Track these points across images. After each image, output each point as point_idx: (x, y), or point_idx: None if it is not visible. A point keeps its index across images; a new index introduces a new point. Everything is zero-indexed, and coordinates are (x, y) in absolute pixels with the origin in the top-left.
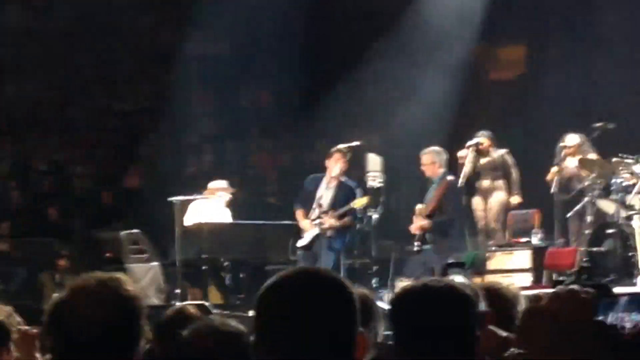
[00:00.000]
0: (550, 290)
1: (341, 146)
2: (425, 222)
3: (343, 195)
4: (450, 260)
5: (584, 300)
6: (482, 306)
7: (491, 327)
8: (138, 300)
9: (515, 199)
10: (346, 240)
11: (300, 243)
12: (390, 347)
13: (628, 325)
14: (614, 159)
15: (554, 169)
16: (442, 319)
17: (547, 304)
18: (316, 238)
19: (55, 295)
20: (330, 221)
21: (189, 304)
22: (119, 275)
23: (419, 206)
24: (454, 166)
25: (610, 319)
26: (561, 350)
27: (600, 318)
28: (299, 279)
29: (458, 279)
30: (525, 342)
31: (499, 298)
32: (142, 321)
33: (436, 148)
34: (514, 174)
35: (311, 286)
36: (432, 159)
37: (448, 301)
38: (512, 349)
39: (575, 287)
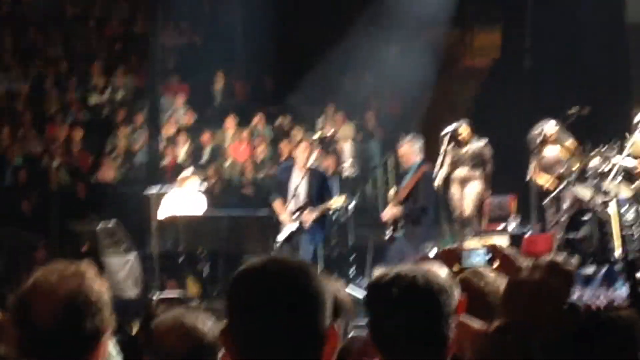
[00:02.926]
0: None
1: (314, 136)
2: (396, 209)
3: (316, 182)
4: (426, 249)
5: (565, 272)
6: (457, 294)
7: (463, 318)
8: (100, 292)
9: (485, 194)
10: (325, 231)
11: (280, 237)
12: (357, 339)
13: (603, 302)
14: (592, 153)
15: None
16: (411, 307)
17: (528, 276)
18: (295, 232)
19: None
20: (309, 217)
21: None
22: (86, 266)
23: (392, 192)
24: (428, 152)
25: (586, 296)
26: (542, 321)
27: (576, 294)
28: (267, 269)
29: (434, 267)
30: (508, 314)
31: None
32: (106, 313)
33: (410, 137)
34: (488, 168)
35: (279, 276)
36: (407, 150)
37: (418, 289)
38: (495, 322)
39: (556, 258)
